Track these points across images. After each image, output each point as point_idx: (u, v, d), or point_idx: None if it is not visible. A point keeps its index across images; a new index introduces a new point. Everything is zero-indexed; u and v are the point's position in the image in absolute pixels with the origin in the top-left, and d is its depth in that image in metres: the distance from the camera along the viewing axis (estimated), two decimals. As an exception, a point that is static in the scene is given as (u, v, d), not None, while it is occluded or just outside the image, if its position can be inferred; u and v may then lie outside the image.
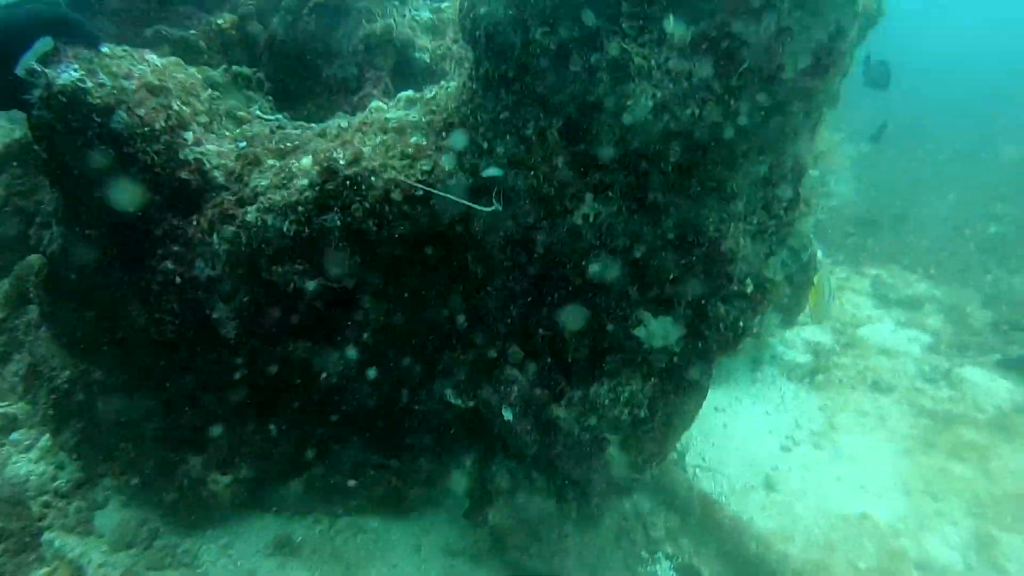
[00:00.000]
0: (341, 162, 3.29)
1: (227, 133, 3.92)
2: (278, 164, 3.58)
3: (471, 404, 3.82)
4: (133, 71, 3.48)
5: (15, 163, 5.27)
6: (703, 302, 3.12)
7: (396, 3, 4.82)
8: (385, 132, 3.37)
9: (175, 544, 4.24)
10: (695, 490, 4.96)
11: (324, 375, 3.90)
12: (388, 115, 3.47)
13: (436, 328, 3.73)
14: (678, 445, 5.01)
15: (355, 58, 4.48)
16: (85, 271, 3.82)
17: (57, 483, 4.50)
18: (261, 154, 3.69)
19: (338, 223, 3.31)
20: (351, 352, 3.74)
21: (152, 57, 3.71)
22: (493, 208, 3.07)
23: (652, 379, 3.27)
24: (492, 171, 3.09)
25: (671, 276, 3.04)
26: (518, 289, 3.38)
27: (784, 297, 3.38)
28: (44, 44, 3.27)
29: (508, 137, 3.03)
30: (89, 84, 3.31)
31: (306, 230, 3.36)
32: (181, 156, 3.57)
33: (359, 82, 4.43)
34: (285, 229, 3.37)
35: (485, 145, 3.14)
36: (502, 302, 3.45)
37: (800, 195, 3.18)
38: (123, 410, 4.30)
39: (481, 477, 4.22)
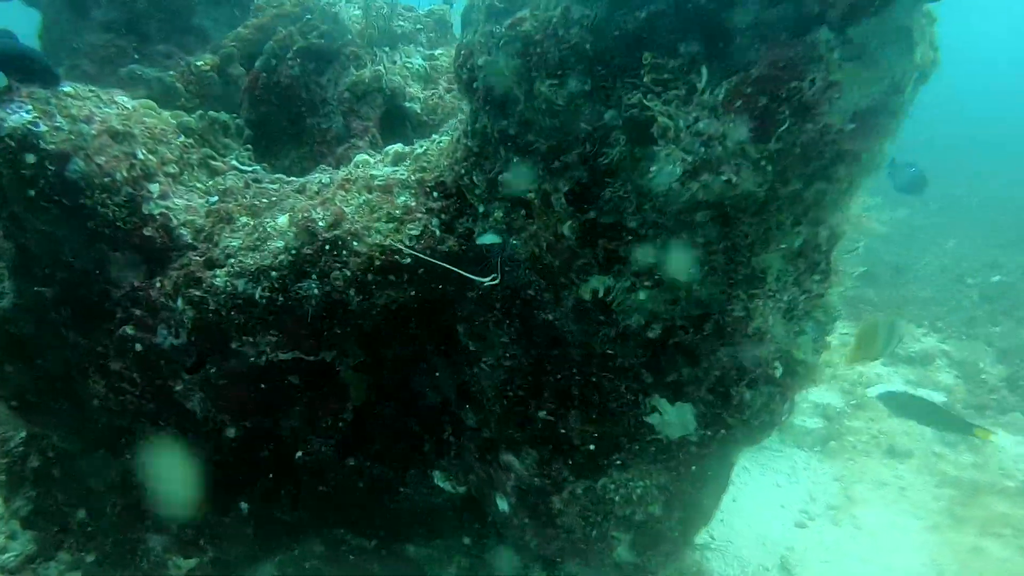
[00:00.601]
0: (320, 223, 2.96)
1: (198, 185, 3.62)
2: (252, 223, 3.28)
3: (461, 491, 3.43)
4: (95, 114, 3.26)
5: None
6: (727, 387, 2.75)
7: (387, 49, 4.54)
8: (370, 191, 3.03)
9: (131, 634, 3.90)
10: (704, 574, 4.59)
11: (299, 454, 3.54)
12: (374, 171, 3.14)
13: (423, 406, 3.36)
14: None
15: (341, 106, 4.19)
16: (40, 330, 3.54)
17: (6, 556, 4.22)
18: (233, 211, 3.38)
19: (315, 291, 2.96)
20: (329, 431, 3.37)
21: (122, 99, 3.52)
22: (492, 279, 2.71)
23: (668, 473, 2.88)
24: (490, 238, 2.75)
25: (691, 359, 2.67)
26: (515, 367, 3.01)
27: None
28: None
29: (508, 200, 2.69)
30: (43, 128, 3.08)
31: (280, 298, 3.02)
32: (145, 210, 3.34)
33: (345, 132, 4.10)
34: (257, 296, 3.04)
35: (481, 208, 2.80)
36: (498, 381, 3.07)
37: (832, 266, 2.84)
38: (80, 478, 4.04)
39: (472, 568, 3.80)
